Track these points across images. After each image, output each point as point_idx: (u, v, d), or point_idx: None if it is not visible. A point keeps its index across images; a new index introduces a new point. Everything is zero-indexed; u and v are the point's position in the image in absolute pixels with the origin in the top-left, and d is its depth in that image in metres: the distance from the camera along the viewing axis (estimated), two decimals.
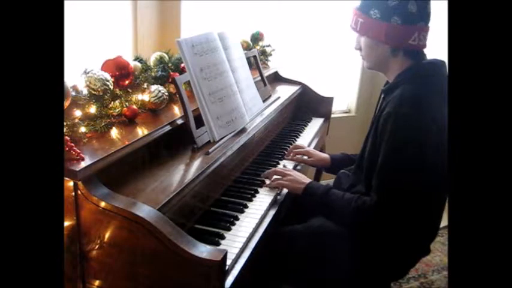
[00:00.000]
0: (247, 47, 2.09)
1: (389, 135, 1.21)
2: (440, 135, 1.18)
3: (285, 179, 1.46)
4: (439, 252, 2.42)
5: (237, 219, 1.28)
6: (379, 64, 1.36)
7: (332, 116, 2.39)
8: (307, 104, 2.33)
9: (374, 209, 1.22)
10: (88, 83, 1.20)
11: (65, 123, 1.06)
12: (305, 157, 1.77)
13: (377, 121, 1.29)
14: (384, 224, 1.24)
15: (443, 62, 1.30)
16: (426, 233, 1.37)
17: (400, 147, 1.20)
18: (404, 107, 1.21)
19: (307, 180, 1.44)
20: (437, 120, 1.19)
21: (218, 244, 1.15)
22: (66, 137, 1.01)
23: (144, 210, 0.96)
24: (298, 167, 1.74)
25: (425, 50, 1.33)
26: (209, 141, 1.39)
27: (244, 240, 1.18)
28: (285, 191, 1.49)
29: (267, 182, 1.50)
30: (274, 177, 1.49)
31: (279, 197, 1.46)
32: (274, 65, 2.33)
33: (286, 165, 1.69)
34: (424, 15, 1.27)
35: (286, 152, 1.79)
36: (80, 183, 0.97)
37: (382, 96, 1.40)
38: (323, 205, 1.37)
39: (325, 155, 1.78)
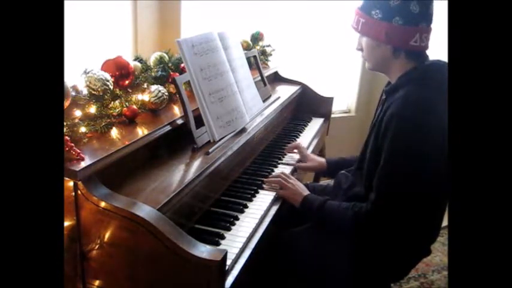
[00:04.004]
0: (247, 47, 2.09)
1: (391, 137, 1.20)
2: (444, 138, 1.17)
3: (285, 188, 1.46)
4: (439, 252, 2.42)
5: (237, 219, 1.28)
6: (381, 65, 1.35)
7: (332, 116, 2.39)
8: (307, 104, 2.33)
9: (373, 211, 1.22)
10: (88, 83, 1.20)
11: (65, 123, 1.06)
12: (302, 164, 1.76)
13: (379, 122, 1.28)
14: (383, 226, 1.23)
15: (446, 63, 1.29)
16: (427, 235, 1.36)
17: (403, 150, 1.19)
18: (408, 109, 1.20)
19: (305, 192, 1.44)
20: (441, 123, 1.18)
21: (218, 244, 1.15)
22: (66, 137, 1.01)
23: (144, 210, 0.96)
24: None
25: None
26: (209, 141, 1.39)
27: (244, 240, 1.18)
28: None
29: (266, 186, 1.49)
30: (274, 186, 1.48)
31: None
32: (274, 65, 2.33)
33: (285, 169, 1.67)
34: (426, 16, 1.26)
35: (285, 153, 1.79)
36: (80, 183, 0.97)
37: (384, 96, 1.39)
38: (320, 218, 1.37)
39: (321, 159, 1.78)
